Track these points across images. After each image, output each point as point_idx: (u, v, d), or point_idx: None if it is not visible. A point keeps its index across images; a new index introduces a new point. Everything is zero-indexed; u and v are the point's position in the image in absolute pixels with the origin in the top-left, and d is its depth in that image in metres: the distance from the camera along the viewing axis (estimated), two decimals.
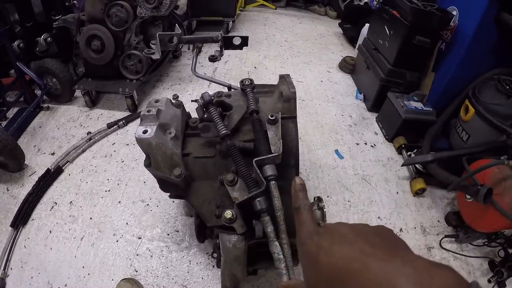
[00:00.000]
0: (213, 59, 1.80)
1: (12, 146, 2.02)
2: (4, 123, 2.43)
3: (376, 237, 0.38)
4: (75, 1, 2.87)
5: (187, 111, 1.52)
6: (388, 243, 0.38)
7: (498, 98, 1.92)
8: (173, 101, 1.40)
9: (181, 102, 1.43)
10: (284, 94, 1.35)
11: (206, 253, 1.75)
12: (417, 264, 0.31)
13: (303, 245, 0.43)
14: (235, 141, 1.21)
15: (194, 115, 1.46)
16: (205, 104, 1.30)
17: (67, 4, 2.86)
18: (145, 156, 1.26)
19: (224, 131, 1.19)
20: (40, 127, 2.56)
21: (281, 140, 1.15)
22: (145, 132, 1.20)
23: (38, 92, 2.74)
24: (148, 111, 1.24)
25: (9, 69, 2.63)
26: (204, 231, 1.42)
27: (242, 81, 1.41)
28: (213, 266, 1.70)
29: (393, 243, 0.38)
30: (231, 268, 1.18)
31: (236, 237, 1.14)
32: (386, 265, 0.32)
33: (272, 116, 1.20)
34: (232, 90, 1.61)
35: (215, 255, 1.36)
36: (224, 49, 1.86)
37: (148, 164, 1.25)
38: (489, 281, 1.74)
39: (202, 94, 1.30)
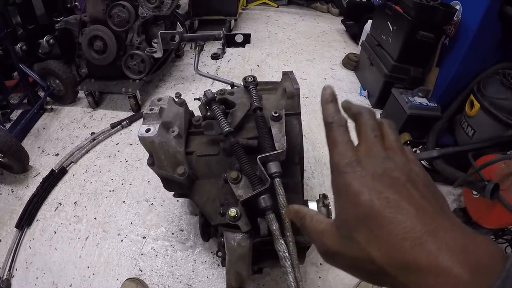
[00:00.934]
0: (215, 57, 1.80)
1: (17, 147, 2.03)
2: (8, 125, 2.43)
3: (425, 188, 0.35)
4: (76, 3, 2.89)
5: (190, 109, 1.51)
6: (436, 196, 0.35)
7: (504, 93, 1.90)
8: (176, 100, 1.40)
9: (184, 100, 1.42)
10: (287, 90, 1.34)
11: (211, 252, 1.75)
12: (464, 229, 0.30)
13: (340, 174, 0.36)
14: (239, 138, 1.20)
15: (198, 113, 1.45)
16: (208, 101, 1.29)
17: (68, 5, 2.87)
18: (148, 155, 1.25)
19: (227, 129, 1.18)
20: (44, 128, 2.57)
21: (285, 137, 1.14)
22: (148, 130, 1.19)
23: (41, 94, 2.75)
24: (151, 110, 1.23)
25: (13, 72, 2.64)
26: (209, 229, 1.41)
27: (245, 79, 1.40)
28: (218, 265, 1.69)
29: (440, 197, 0.36)
30: (236, 267, 1.17)
31: (240, 235, 1.13)
32: (434, 224, 0.30)
33: (275, 113, 1.19)
34: (235, 87, 1.60)
35: (220, 254, 1.35)
36: (227, 47, 1.86)
37: (151, 163, 1.25)
38: None
39: (204, 91, 1.29)
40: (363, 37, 3.36)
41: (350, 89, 3.16)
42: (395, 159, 0.37)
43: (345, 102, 0.43)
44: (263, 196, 1.03)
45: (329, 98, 0.42)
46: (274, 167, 1.06)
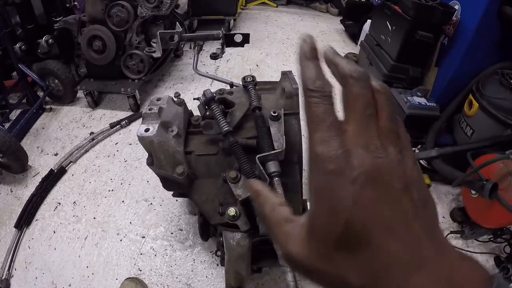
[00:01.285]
0: (214, 56, 1.80)
1: (16, 147, 2.03)
2: (7, 125, 2.43)
3: (419, 199, 0.28)
4: (75, 3, 2.88)
5: (189, 109, 1.51)
6: (427, 208, 0.29)
7: (502, 92, 1.90)
8: (175, 99, 1.40)
9: (183, 100, 1.42)
10: (286, 90, 1.34)
11: (210, 252, 1.75)
12: (450, 255, 0.28)
13: (324, 173, 0.28)
14: (238, 138, 1.21)
15: (197, 113, 1.45)
16: (207, 101, 1.29)
17: (67, 5, 2.87)
18: (147, 155, 1.25)
19: (226, 128, 1.18)
20: (43, 128, 2.57)
21: (284, 136, 1.14)
22: (147, 130, 1.19)
23: (40, 93, 2.75)
24: (150, 110, 1.23)
25: (12, 72, 2.64)
26: (208, 229, 1.41)
27: (244, 78, 1.40)
28: (217, 265, 1.69)
29: (430, 208, 0.30)
30: (235, 266, 1.17)
31: (240, 234, 1.14)
32: (422, 253, 0.27)
33: (274, 113, 1.19)
34: (234, 87, 1.60)
35: (219, 253, 1.36)
36: (226, 47, 1.86)
37: (150, 163, 1.25)
38: None
39: (203, 91, 1.29)
40: (362, 37, 3.36)
41: None
42: (388, 150, 0.29)
43: (329, 51, 0.32)
44: None
45: (309, 53, 0.32)
46: (273, 166, 1.07)
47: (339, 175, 0.27)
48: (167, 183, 1.32)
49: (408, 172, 0.29)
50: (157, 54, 1.85)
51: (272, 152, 1.08)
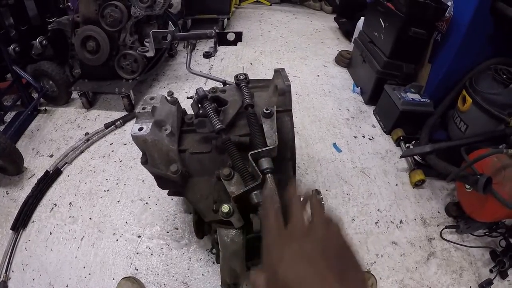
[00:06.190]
0: (207, 55, 1.80)
1: (11, 149, 2.02)
2: (2, 127, 2.42)
3: (335, 258, 0.42)
4: (69, 3, 2.87)
5: (183, 108, 1.51)
6: (344, 263, 0.43)
7: (496, 88, 1.92)
8: (168, 98, 1.40)
9: (176, 98, 1.42)
10: (278, 87, 1.35)
11: (206, 250, 1.75)
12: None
13: (267, 251, 0.47)
14: (231, 135, 1.21)
15: (191, 112, 1.45)
16: (200, 99, 1.30)
17: (61, 6, 2.86)
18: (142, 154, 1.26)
19: (219, 126, 1.19)
20: (38, 130, 2.56)
21: (276, 133, 1.15)
22: (140, 129, 1.19)
23: (35, 95, 2.73)
24: (143, 109, 1.24)
25: (6, 73, 2.62)
26: (203, 227, 1.42)
27: (236, 76, 1.41)
28: (213, 262, 1.70)
29: (348, 261, 0.43)
30: (230, 263, 1.18)
31: (234, 231, 1.14)
32: None
33: (267, 110, 1.20)
34: (227, 85, 1.60)
35: (214, 251, 1.36)
36: (219, 45, 1.86)
37: (144, 161, 1.25)
38: (491, 271, 1.74)
39: (196, 89, 1.30)
40: (355, 34, 3.38)
41: (343, 86, 3.17)
42: (317, 233, 0.46)
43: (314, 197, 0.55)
44: (255, 192, 1.03)
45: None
46: (265, 163, 1.07)
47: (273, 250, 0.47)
48: (162, 181, 1.32)
49: (329, 245, 0.44)
50: (150, 54, 1.85)
51: (265, 148, 1.09)
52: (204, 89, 1.33)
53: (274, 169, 1.08)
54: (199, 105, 1.33)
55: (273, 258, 0.44)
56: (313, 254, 0.42)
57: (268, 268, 0.44)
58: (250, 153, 1.07)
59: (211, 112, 1.24)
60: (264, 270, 0.46)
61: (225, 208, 1.07)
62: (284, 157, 1.24)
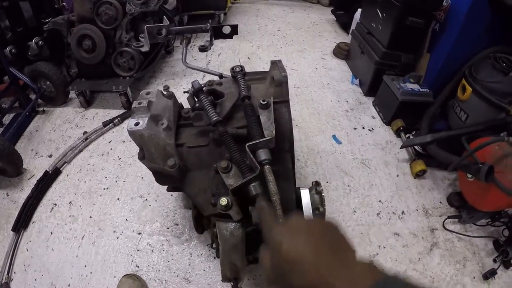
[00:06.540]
0: (203, 49, 1.79)
1: (10, 151, 2.02)
2: (0, 130, 2.42)
3: (325, 236, 0.50)
4: (64, 3, 2.86)
5: (180, 103, 1.50)
6: (334, 241, 0.51)
7: (495, 76, 1.90)
8: (164, 93, 1.39)
9: (172, 93, 1.41)
10: (275, 78, 1.33)
11: (207, 245, 1.75)
12: (351, 268, 0.45)
13: (270, 236, 0.55)
14: (228, 128, 1.20)
15: (188, 107, 1.44)
16: (196, 92, 1.28)
17: (56, 6, 2.85)
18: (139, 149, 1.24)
19: (215, 118, 1.17)
20: (36, 130, 2.55)
21: (273, 124, 1.13)
22: (137, 124, 1.18)
23: (32, 96, 2.72)
24: (139, 103, 1.23)
25: (3, 76, 2.62)
26: (202, 221, 1.41)
27: (232, 69, 1.39)
28: (214, 258, 1.69)
29: (338, 241, 0.51)
30: (230, 257, 1.16)
31: (233, 224, 1.13)
32: (328, 263, 0.46)
33: (264, 101, 1.18)
34: (223, 78, 1.59)
35: (214, 245, 1.35)
36: (214, 39, 1.85)
37: (142, 157, 1.24)
38: (494, 260, 1.73)
39: (191, 82, 1.28)
40: (353, 26, 3.36)
41: (341, 78, 3.16)
42: (302, 220, 0.57)
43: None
44: (253, 184, 1.02)
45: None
46: (263, 154, 1.06)
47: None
48: (160, 177, 1.31)
49: (315, 225, 0.55)
50: (145, 48, 1.83)
51: (262, 140, 1.07)
52: (199, 82, 1.31)
53: (272, 161, 1.06)
54: (195, 99, 1.32)
55: (275, 239, 0.52)
56: (307, 234, 0.51)
57: (272, 247, 0.53)
58: (247, 144, 1.05)
59: (207, 105, 1.22)
60: (269, 248, 0.54)
61: (224, 201, 1.06)
62: (282, 148, 1.22)
